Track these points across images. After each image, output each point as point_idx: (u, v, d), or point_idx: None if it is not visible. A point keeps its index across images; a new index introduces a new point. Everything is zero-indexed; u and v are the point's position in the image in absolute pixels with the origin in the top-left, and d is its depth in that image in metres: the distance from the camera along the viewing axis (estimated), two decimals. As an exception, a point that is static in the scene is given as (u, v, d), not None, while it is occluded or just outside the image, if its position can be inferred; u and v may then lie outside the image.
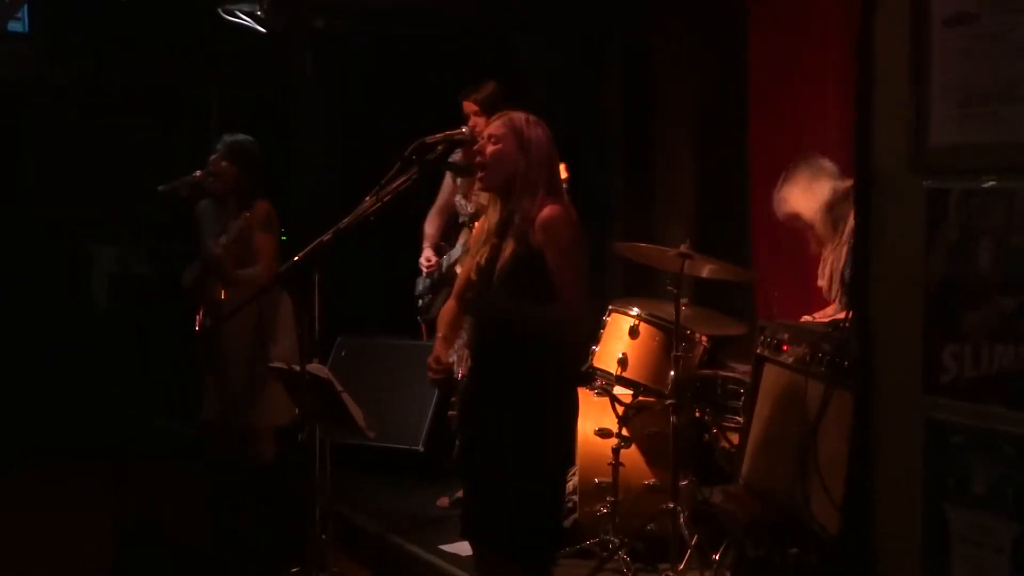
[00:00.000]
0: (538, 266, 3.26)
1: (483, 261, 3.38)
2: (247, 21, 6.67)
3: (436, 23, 6.47)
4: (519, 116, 3.41)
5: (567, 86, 6.17)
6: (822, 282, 4.16)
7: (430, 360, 3.53)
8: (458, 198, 5.31)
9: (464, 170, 4.95)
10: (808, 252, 4.36)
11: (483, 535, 3.43)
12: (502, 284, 3.31)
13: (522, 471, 3.30)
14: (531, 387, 3.32)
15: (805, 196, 4.07)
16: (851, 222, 3.66)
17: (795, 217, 4.17)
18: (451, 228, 5.48)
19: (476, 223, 3.64)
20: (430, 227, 5.49)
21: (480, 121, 4.82)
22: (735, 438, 4.14)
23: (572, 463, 4.68)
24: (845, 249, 4.02)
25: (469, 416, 3.50)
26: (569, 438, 3.50)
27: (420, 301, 5.56)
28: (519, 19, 6.48)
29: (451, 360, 3.93)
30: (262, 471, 4.66)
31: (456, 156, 4.42)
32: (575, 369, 3.72)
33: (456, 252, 5.30)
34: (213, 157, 4.69)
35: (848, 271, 3.96)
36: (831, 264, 4.10)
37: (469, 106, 5.05)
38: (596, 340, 4.55)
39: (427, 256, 5.43)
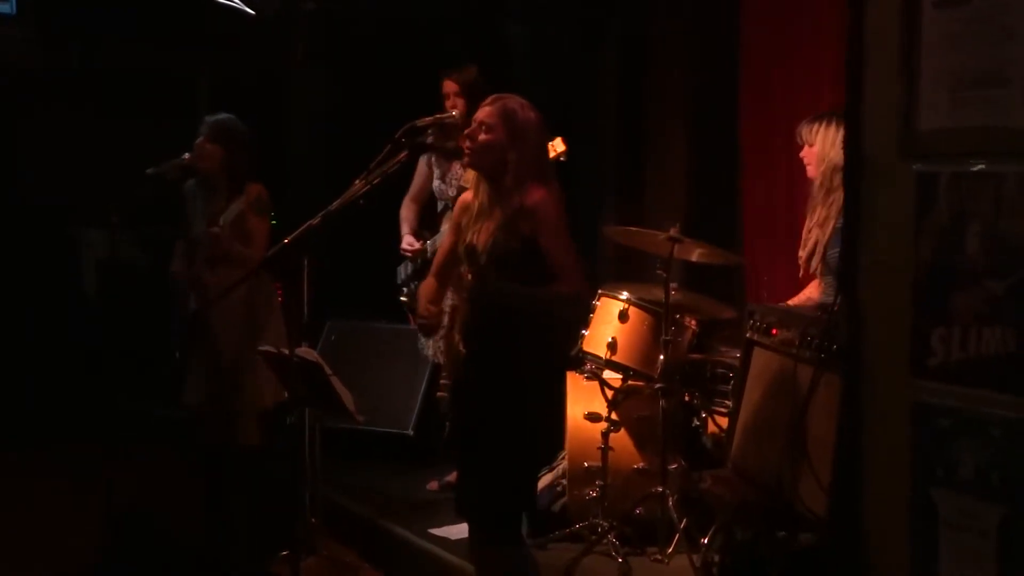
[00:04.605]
0: (532, 252, 3.26)
1: (475, 241, 3.37)
2: (238, 4, 6.64)
3: (430, 6, 6.45)
4: (513, 102, 3.40)
5: (561, 71, 6.16)
6: (802, 253, 4.18)
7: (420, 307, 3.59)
8: (436, 183, 5.28)
9: (452, 153, 4.95)
10: (798, 237, 4.36)
11: (468, 514, 3.50)
12: (497, 273, 3.31)
13: (499, 453, 3.34)
14: (526, 371, 3.33)
15: (834, 145, 4.03)
16: (842, 202, 3.65)
17: (810, 150, 4.15)
18: (428, 213, 5.43)
19: (459, 199, 3.62)
20: (407, 212, 5.43)
21: (460, 102, 4.98)
22: (724, 422, 4.15)
23: (560, 446, 4.72)
24: (832, 226, 4.03)
25: (463, 399, 3.53)
26: (556, 421, 3.53)
27: (404, 289, 5.51)
28: (514, 3, 6.46)
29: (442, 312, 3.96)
30: (251, 455, 4.65)
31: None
32: (567, 353, 3.74)
33: (440, 238, 5.25)
34: (198, 140, 4.65)
35: (834, 251, 3.98)
36: (815, 238, 4.13)
37: (450, 85, 5.07)
38: (586, 324, 4.55)
39: (408, 241, 5.35)
